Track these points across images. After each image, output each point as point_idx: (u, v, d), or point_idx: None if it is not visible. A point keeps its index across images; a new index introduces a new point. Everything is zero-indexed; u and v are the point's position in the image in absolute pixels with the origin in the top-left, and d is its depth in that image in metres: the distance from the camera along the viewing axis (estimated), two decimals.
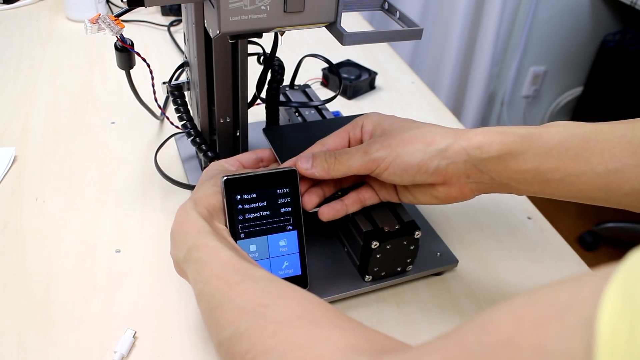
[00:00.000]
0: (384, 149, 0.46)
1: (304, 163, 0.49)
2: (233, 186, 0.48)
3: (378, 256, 0.52)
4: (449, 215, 0.67)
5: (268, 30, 0.45)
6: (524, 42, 2.04)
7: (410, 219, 0.54)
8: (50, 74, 0.90)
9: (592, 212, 2.01)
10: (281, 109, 0.72)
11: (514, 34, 2.03)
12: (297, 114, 0.71)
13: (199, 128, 0.63)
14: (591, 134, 0.42)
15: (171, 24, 1.05)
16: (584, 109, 2.18)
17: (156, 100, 0.67)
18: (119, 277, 0.55)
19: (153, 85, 0.64)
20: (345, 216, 0.56)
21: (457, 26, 1.87)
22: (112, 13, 0.78)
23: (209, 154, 0.61)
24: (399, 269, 0.55)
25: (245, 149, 0.65)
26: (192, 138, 0.62)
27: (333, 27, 0.46)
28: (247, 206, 0.48)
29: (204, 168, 0.56)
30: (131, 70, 0.64)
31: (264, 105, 0.66)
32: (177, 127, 0.72)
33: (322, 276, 0.55)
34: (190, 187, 0.65)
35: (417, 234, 0.53)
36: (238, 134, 0.63)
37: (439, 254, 0.58)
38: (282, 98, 0.72)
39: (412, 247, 0.54)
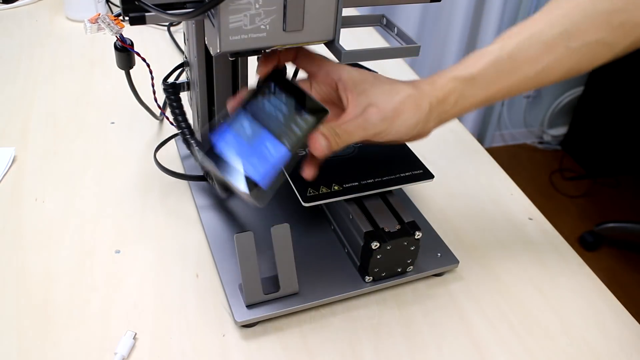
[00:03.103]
0: (382, 123, 0.48)
1: (322, 141, 0.48)
2: (277, 77, 0.49)
3: (378, 257, 0.52)
4: (450, 216, 0.66)
5: (267, 48, 0.46)
6: None
7: (411, 220, 0.54)
8: (49, 74, 0.90)
9: (593, 212, 2.01)
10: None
11: None
12: None
13: (193, 128, 0.63)
14: (514, 51, 0.50)
15: (171, 24, 1.05)
16: (584, 109, 2.18)
17: (156, 100, 0.66)
18: (118, 277, 0.55)
19: (153, 85, 0.64)
20: (345, 216, 0.56)
21: (458, 26, 1.87)
22: (112, 13, 0.78)
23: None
24: (399, 270, 0.55)
25: None
26: (184, 137, 0.62)
27: (332, 44, 0.47)
28: (272, 98, 0.49)
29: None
30: (131, 70, 0.64)
31: None
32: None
33: (323, 277, 0.55)
34: (191, 178, 0.65)
35: (418, 235, 0.53)
36: None
37: (439, 254, 0.58)
38: None
39: (412, 248, 0.54)
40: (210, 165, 0.47)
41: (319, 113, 0.48)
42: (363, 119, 0.49)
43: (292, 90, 0.49)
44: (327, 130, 0.48)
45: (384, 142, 0.50)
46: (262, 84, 0.50)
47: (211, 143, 0.47)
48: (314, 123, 0.47)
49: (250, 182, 0.45)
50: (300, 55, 0.52)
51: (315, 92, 0.52)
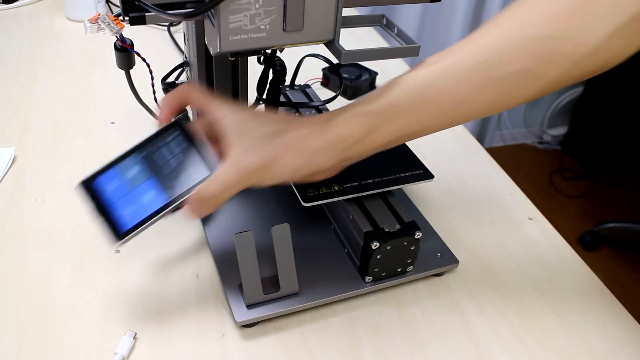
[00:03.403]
0: (258, 171, 0.45)
1: (188, 209, 0.47)
2: (182, 124, 0.48)
3: (378, 257, 0.52)
4: (450, 216, 0.66)
5: (267, 48, 0.46)
6: None
7: (411, 220, 0.54)
8: (49, 74, 0.90)
9: (593, 212, 2.01)
10: (281, 109, 0.72)
11: None
12: (297, 114, 0.71)
13: None
14: (429, 81, 0.46)
15: (171, 24, 1.05)
16: (584, 109, 2.18)
17: (156, 100, 0.66)
18: (118, 278, 0.55)
19: (153, 85, 0.64)
20: (345, 216, 0.56)
21: (458, 26, 1.87)
22: (112, 13, 0.78)
23: None
24: (399, 270, 0.55)
25: None
26: None
27: (332, 44, 0.47)
28: (172, 144, 0.48)
29: None
30: (131, 70, 0.64)
31: (263, 105, 0.66)
32: None
33: (322, 277, 0.55)
34: None
35: (418, 235, 0.53)
36: None
37: (439, 254, 0.58)
38: (282, 98, 0.72)
39: (412, 248, 0.54)
40: (84, 200, 0.47)
41: (212, 169, 0.47)
42: (238, 168, 0.45)
43: (193, 140, 0.48)
44: (197, 196, 0.46)
45: (270, 185, 0.47)
46: (166, 128, 0.49)
47: (95, 179, 0.48)
48: (203, 178, 0.47)
49: (114, 226, 0.46)
50: (193, 97, 0.49)
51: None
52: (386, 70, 0.97)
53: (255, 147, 0.45)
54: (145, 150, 0.48)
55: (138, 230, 0.46)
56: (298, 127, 0.47)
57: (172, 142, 0.48)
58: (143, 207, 0.46)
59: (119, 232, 0.46)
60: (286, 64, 0.65)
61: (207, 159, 0.47)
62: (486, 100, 0.45)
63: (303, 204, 0.53)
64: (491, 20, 0.46)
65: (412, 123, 0.47)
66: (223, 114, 0.47)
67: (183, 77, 0.66)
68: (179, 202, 0.46)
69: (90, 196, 0.47)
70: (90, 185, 0.48)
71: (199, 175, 0.47)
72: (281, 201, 0.62)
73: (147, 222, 0.46)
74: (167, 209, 0.46)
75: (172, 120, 0.49)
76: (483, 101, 0.45)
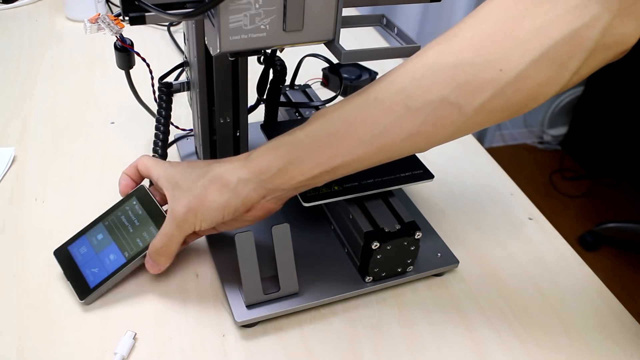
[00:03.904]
0: (189, 213, 0.48)
1: (149, 264, 0.53)
2: (140, 193, 0.56)
3: (378, 257, 0.52)
4: (450, 216, 0.66)
5: (267, 48, 0.46)
6: None
7: (411, 220, 0.54)
8: (49, 74, 0.90)
9: (593, 212, 2.01)
10: (281, 109, 0.72)
11: None
12: (297, 114, 0.71)
13: (168, 134, 0.64)
14: (347, 111, 0.45)
15: (171, 24, 1.05)
16: (584, 109, 2.18)
17: (156, 100, 0.66)
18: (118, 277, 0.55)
19: (153, 85, 0.64)
20: (345, 216, 0.56)
21: None
22: (112, 13, 0.78)
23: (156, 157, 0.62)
24: (399, 270, 0.55)
25: (245, 149, 0.65)
26: (155, 143, 0.63)
27: (332, 44, 0.47)
28: (130, 212, 0.55)
29: None
30: (131, 70, 0.64)
31: (263, 104, 0.66)
32: (177, 127, 0.72)
33: (322, 277, 0.55)
34: None
35: (418, 235, 0.53)
36: (238, 134, 0.63)
37: (439, 254, 0.58)
38: (282, 98, 0.72)
39: (412, 248, 0.54)
40: (58, 264, 0.54)
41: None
42: (172, 217, 0.49)
43: (151, 206, 0.55)
44: (150, 250, 0.52)
45: (208, 227, 0.49)
46: (126, 198, 0.56)
47: (67, 249, 0.55)
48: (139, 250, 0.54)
49: (84, 286, 0.52)
50: (140, 168, 0.54)
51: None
52: (386, 70, 0.97)
53: (182, 195, 0.49)
54: (107, 219, 0.55)
55: (102, 287, 0.52)
56: (218, 167, 0.48)
57: (130, 211, 0.55)
58: (105, 268, 0.53)
59: (87, 289, 0.52)
60: (286, 64, 0.65)
61: (159, 223, 0.53)
62: (406, 131, 0.43)
63: (303, 204, 0.53)
64: (418, 51, 0.44)
65: (335, 155, 0.45)
66: (158, 174, 0.52)
67: (183, 77, 0.66)
68: (134, 260, 0.53)
69: (62, 261, 0.54)
70: (66, 250, 0.55)
71: (152, 237, 0.53)
72: None
73: (108, 279, 0.52)
74: (126, 267, 0.53)
75: (130, 192, 0.56)
76: (403, 132, 0.43)
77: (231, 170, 0.48)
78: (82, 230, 0.55)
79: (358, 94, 0.45)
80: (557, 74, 0.40)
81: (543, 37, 0.39)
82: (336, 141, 0.45)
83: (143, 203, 0.55)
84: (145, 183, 0.56)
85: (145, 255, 0.53)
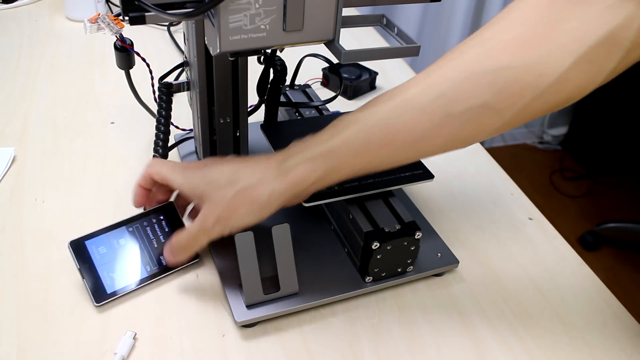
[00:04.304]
0: (218, 225, 0.48)
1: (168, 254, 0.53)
2: (168, 210, 0.56)
3: (378, 257, 0.52)
4: (450, 216, 0.66)
5: (267, 48, 0.46)
6: None
7: (411, 220, 0.54)
8: (49, 74, 0.90)
9: (593, 212, 2.01)
10: (281, 109, 0.72)
11: None
12: (297, 114, 0.71)
13: (169, 135, 0.64)
14: (386, 117, 0.45)
15: (171, 24, 1.05)
16: (584, 109, 2.18)
17: (156, 100, 0.66)
18: None
19: (153, 85, 0.64)
20: (345, 216, 0.56)
21: (458, 26, 1.87)
22: (112, 13, 0.78)
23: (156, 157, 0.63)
24: (399, 270, 0.55)
25: (245, 149, 0.65)
26: (156, 143, 0.63)
27: (332, 44, 0.47)
28: (157, 226, 0.55)
29: None
30: (131, 70, 0.64)
31: (263, 104, 0.66)
32: (177, 127, 0.72)
33: (322, 277, 0.55)
34: None
35: (418, 235, 0.53)
36: (238, 134, 0.63)
37: (439, 254, 0.58)
38: (282, 98, 0.72)
39: (412, 248, 0.54)
40: (73, 259, 0.52)
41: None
42: (202, 224, 0.49)
43: (178, 226, 0.55)
44: (171, 244, 0.52)
45: (237, 231, 0.49)
46: (154, 211, 0.56)
47: (84, 243, 0.53)
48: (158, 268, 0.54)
49: (101, 289, 0.52)
50: (154, 176, 0.53)
51: None
52: (386, 70, 0.97)
53: (211, 208, 0.48)
54: (132, 225, 0.55)
55: (118, 296, 0.52)
56: (247, 177, 0.48)
57: (156, 224, 0.56)
58: (124, 277, 0.53)
59: (103, 293, 0.52)
60: (286, 64, 0.65)
61: None
62: (445, 136, 0.43)
63: (303, 204, 0.53)
64: (451, 51, 0.44)
65: (371, 161, 0.46)
66: (178, 183, 0.51)
67: (183, 77, 0.66)
68: (155, 280, 0.54)
69: (78, 254, 0.53)
70: (83, 244, 0.53)
71: None
72: None
73: (126, 290, 0.53)
74: (145, 284, 0.53)
75: (157, 206, 0.56)
76: (442, 137, 0.43)
77: (263, 185, 0.47)
78: (103, 228, 0.54)
79: (391, 97, 0.45)
80: (595, 75, 0.40)
81: (581, 39, 0.39)
82: (375, 148, 0.45)
83: (170, 221, 0.56)
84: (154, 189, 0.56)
85: (166, 276, 0.54)
